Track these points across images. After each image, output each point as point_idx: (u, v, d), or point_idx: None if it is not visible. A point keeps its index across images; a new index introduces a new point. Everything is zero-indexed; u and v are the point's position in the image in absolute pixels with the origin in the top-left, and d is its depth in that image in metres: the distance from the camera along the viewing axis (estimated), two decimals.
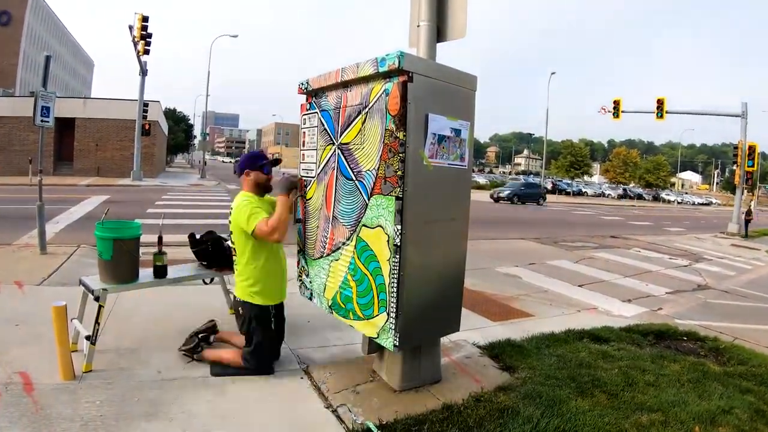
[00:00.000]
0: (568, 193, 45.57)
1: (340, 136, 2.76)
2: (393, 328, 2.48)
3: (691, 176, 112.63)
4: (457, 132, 2.70)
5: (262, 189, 3.09)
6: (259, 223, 2.81)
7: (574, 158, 57.27)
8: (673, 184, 74.41)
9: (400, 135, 2.38)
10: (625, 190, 54.73)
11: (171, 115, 42.71)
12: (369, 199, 2.56)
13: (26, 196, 11.84)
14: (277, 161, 3.22)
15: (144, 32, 18.03)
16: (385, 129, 2.43)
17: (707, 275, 8.69)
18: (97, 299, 2.97)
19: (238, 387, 2.86)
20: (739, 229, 17.74)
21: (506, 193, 28.03)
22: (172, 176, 29.13)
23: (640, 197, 52.21)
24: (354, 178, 2.67)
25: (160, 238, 3.38)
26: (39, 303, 3.87)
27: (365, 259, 2.60)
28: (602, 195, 49.82)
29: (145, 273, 3.35)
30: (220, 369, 3.02)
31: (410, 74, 2.38)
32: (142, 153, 22.17)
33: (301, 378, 3.06)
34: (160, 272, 3.36)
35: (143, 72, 20.53)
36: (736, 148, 18.82)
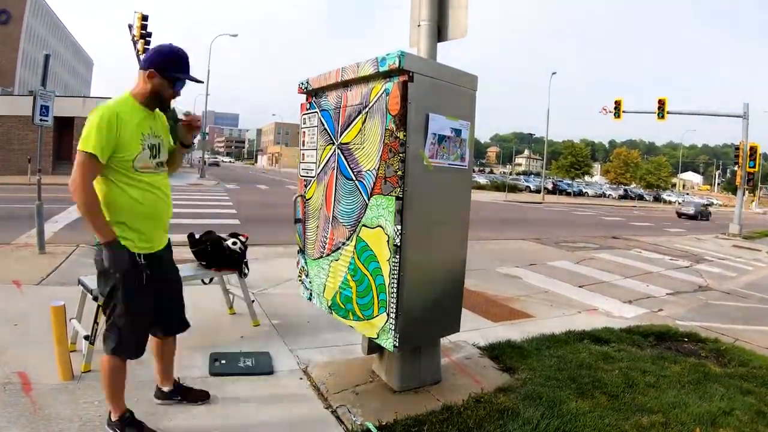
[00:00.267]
0: (568, 194, 45.56)
1: (340, 136, 2.76)
2: (393, 328, 2.47)
3: (692, 177, 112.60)
4: (458, 132, 2.69)
5: (156, 103, 2.27)
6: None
7: (575, 158, 57.25)
8: (674, 185, 74.41)
9: (401, 135, 2.37)
10: (626, 190, 54.74)
11: (170, 114, 42.82)
12: (369, 199, 2.55)
13: (25, 195, 11.84)
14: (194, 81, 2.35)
15: (143, 31, 17.99)
16: (386, 129, 2.42)
17: (708, 276, 8.68)
18: (95, 299, 2.95)
19: (237, 387, 2.86)
20: (740, 230, 17.71)
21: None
22: (172, 175, 29.09)
23: (641, 198, 52.22)
24: (354, 178, 2.66)
25: None
26: (37, 302, 3.87)
27: (365, 260, 2.60)
28: (603, 195, 49.82)
29: None
30: (219, 369, 3.02)
31: (411, 74, 2.37)
32: None
33: (301, 378, 3.05)
34: None
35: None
36: (737, 148, 18.79)
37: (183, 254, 4.38)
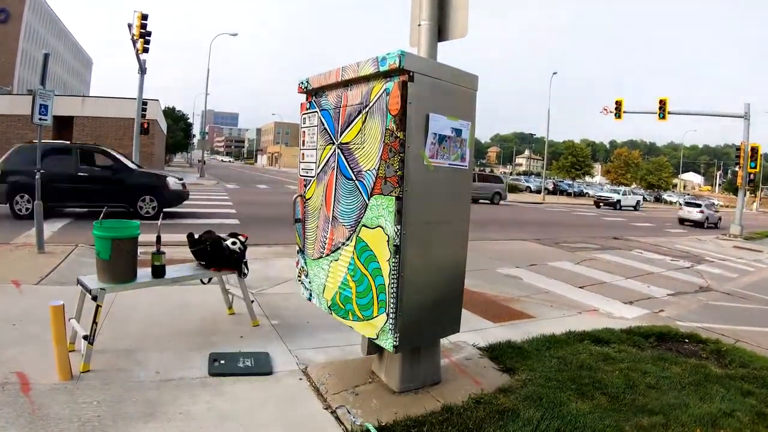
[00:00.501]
0: (569, 194, 45.53)
1: (340, 136, 2.75)
2: (392, 329, 2.47)
3: (693, 177, 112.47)
4: (458, 132, 2.68)
5: None
6: None
7: (576, 159, 57.17)
8: (675, 186, 74.34)
9: (401, 135, 2.36)
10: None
11: (170, 113, 42.73)
12: (369, 199, 2.54)
13: None
14: None
15: (143, 30, 17.96)
16: (386, 128, 2.41)
17: (709, 277, 8.66)
18: (94, 299, 2.96)
19: (237, 387, 2.85)
20: (741, 230, 17.68)
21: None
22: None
23: (642, 198, 52.10)
24: (354, 178, 2.65)
25: (158, 238, 3.37)
26: (36, 302, 3.86)
27: (365, 260, 2.59)
28: None
29: (144, 272, 3.34)
30: (218, 369, 3.01)
31: (411, 74, 2.37)
32: (140, 152, 22.08)
33: (300, 379, 3.04)
34: (158, 272, 3.35)
35: (142, 70, 20.46)
36: (738, 149, 18.75)
37: (182, 254, 4.40)
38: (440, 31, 3.13)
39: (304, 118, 3.14)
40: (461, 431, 2.49)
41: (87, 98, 27.02)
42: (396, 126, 2.37)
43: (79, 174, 9.34)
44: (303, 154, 3.15)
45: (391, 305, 2.45)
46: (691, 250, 12.49)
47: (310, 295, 3.15)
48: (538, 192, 39.71)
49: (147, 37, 17.93)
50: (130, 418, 2.42)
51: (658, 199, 54.85)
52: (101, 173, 9.70)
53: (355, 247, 2.65)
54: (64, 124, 22.04)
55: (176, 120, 44.08)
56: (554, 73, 34.99)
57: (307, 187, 3.09)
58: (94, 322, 2.92)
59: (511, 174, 68.84)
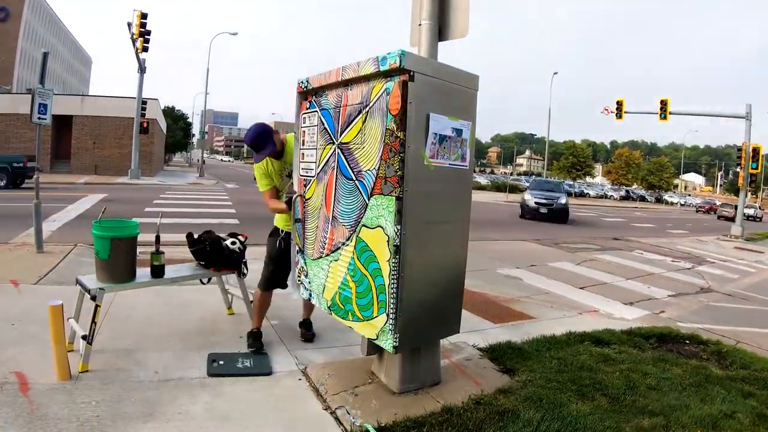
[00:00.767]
0: (569, 194, 45.41)
1: (340, 136, 2.74)
2: (392, 329, 2.46)
3: (694, 178, 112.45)
4: (459, 132, 2.67)
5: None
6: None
7: (576, 159, 57.13)
8: (676, 186, 74.27)
9: (401, 135, 2.35)
10: (627, 191, 54.67)
11: (169, 113, 42.67)
12: (369, 199, 2.53)
13: (23, 194, 11.86)
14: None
15: (143, 29, 17.98)
16: (386, 128, 2.40)
17: (710, 278, 8.65)
18: (93, 298, 2.95)
19: (236, 387, 2.84)
20: (742, 231, 17.66)
21: None
22: (171, 175, 29.14)
23: (642, 199, 52.13)
24: (354, 178, 2.64)
25: (157, 238, 3.36)
26: (35, 302, 3.85)
27: (365, 260, 2.58)
28: (604, 196, 49.78)
29: (143, 272, 3.34)
30: (217, 370, 3.00)
31: (411, 73, 2.36)
32: (140, 151, 22.13)
33: (300, 379, 3.04)
34: (157, 272, 3.34)
35: (142, 69, 20.48)
36: (739, 149, 18.71)
37: (182, 254, 4.38)
38: (441, 30, 3.12)
39: (304, 118, 3.13)
40: None
41: (86, 97, 26.97)
42: (396, 126, 2.36)
43: None
44: (303, 153, 3.14)
45: (391, 306, 2.44)
46: (691, 251, 12.47)
47: (310, 295, 3.14)
48: None
49: (146, 36, 17.93)
50: (129, 418, 2.42)
51: (659, 200, 54.77)
52: None
53: (355, 247, 2.64)
54: (63, 124, 22.02)
55: (176, 119, 44.03)
56: (555, 73, 35.02)
57: (307, 187, 3.08)
58: (93, 321, 2.91)
59: (511, 174, 68.79)
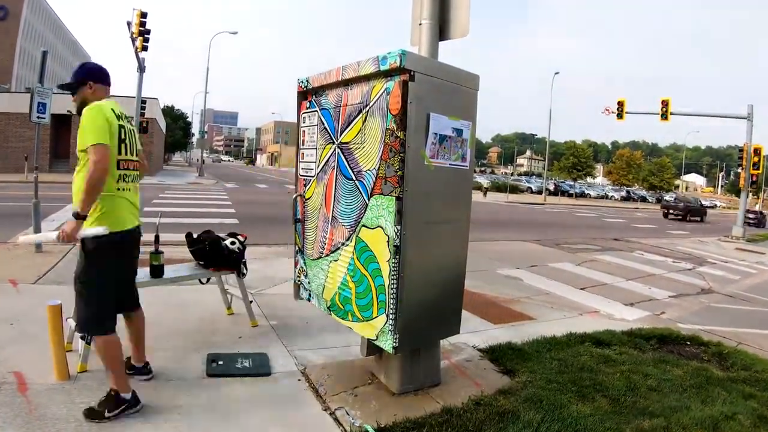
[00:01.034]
0: (570, 195, 45.47)
1: (340, 135, 2.73)
2: (392, 330, 2.45)
3: (695, 179, 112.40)
4: (459, 132, 2.66)
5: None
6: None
7: (577, 159, 57.09)
8: (677, 187, 74.07)
9: (401, 134, 2.35)
10: (628, 192, 54.55)
11: (169, 112, 42.69)
12: (369, 200, 2.52)
13: (22, 193, 11.85)
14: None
15: (142, 28, 17.94)
16: (386, 128, 2.40)
17: (711, 279, 8.63)
18: None
19: (235, 388, 2.83)
20: (743, 232, 17.63)
21: None
22: (170, 174, 29.10)
23: (643, 200, 52.03)
24: (354, 178, 2.63)
25: (156, 237, 3.36)
26: (34, 302, 3.84)
27: (365, 260, 2.57)
28: (605, 197, 49.67)
29: (142, 272, 3.32)
30: (216, 370, 2.99)
31: (412, 73, 2.35)
32: None
33: (299, 380, 3.03)
34: (156, 272, 3.34)
35: (141, 68, 20.43)
36: (741, 150, 18.67)
37: (181, 254, 4.38)
38: (441, 30, 3.11)
39: (304, 117, 3.12)
40: None
41: None
42: (396, 126, 2.35)
43: None
44: (303, 153, 3.13)
45: (391, 306, 2.43)
46: (692, 251, 12.45)
47: (310, 295, 3.14)
48: (540, 193, 39.67)
49: (146, 35, 17.89)
50: (127, 418, 2.41)
51: (659, 201, 54.62)
52: None
53: (354, 248, 2.63)
54: (62, 122, 21.93)
55: (175, 119, 44.03)
56: (556, 73, 35.05)
57: (307, 187, 3.08)
58: None
59: (512, 175, 68.71)
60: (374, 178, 2.48)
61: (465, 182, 2.83)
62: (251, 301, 3.98)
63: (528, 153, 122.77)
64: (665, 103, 19.57)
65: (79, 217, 2.28)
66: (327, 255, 2.88)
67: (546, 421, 2.62)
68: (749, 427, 2.81)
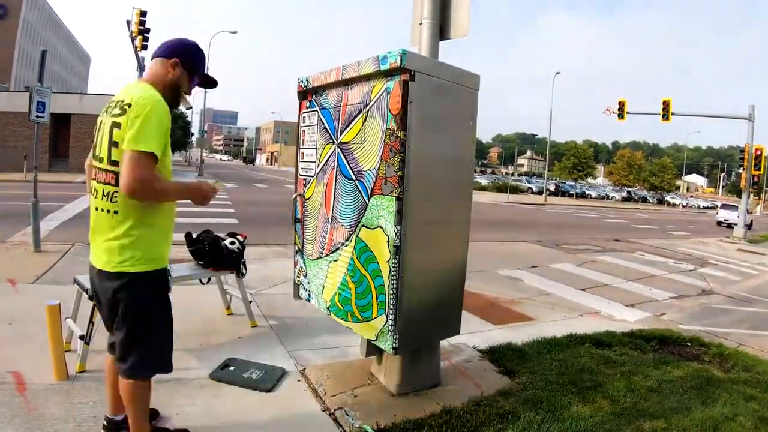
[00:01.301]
0: (571, 195, 45.48)
1: (340, 135, 2.72)
2: (392, 330, 2.44)
3: (696, 179, 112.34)
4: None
5: (172, 97, 2.07)
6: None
7: (578, 160, 56.99)
8: (678, 187, 73.98)
9: (401, 134, 2.34)
10: (629, 192, 54.51)
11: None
12: (369, 200, 2.51)
13: (20, 192, 11.83)
14: (211, 83, 2.30)
15: (142, 27, 17.92)
16: (386, 128, 2.39)
17: (712, 280, 8.62)
18: (91, 298, 2.92)
19: (234, 389, 2.82)
20: (744, 233, 17.61)
21: None
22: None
23: (644, 200, 52.00)
24: (354, 178, 2.62)
25: None
26: (32, 301, 3.83)
27: (364, 261, 2.56)
28: (606, 197, 49.67)
29: None
30: (219, 374, 2.98)
31: (412, 72, 2.34)
32: None
33: (298, 380, 3.02)
34: None
35: (141, 68, 20.39)
36: (742, 151, 18.66)
37: (180, 253, 4.36)
38: (442, 29, 3.10)
39: (304, 117, 3.12)
40: None
41: (85, 95, 26.85)
42: (397, 125, 2.34)
43: None
44: (302, 153, 3.12)
45: (391, 306, 2.42)
46: (693, 252, 12.43)
47: (309, 295, 3.13)
48: (540, 193, 39.63)
49: (146, 34, 17.87)
50: None
51: (660, 201, 54.57)
52: None
53: (354, 248, 2.62)
54: (61, 122, 21.93)
55: (174, 118, 43.75)
56: (557, 73, 34.92)
57: (307, 187, 3.07)
58: (91, 321, 2.89)
59: (512, 175, 68.67)
60: (374, 178, 2.47)
61: (465, 183, 2.82)
62: (251, 301, 3.97)
63: (529, 153, 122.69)
64: (666, 104, 19.54)
65: None
66: (327, 255, 2.87)
67: (546, 422, 2.61)
68: (750, 429, 2.80)
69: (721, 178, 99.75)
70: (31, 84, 6.13)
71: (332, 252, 2.81)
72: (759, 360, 4.13)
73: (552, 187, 42.96)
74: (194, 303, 4.26)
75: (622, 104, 20.93)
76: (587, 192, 49.66)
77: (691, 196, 67.92)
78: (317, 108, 2.95)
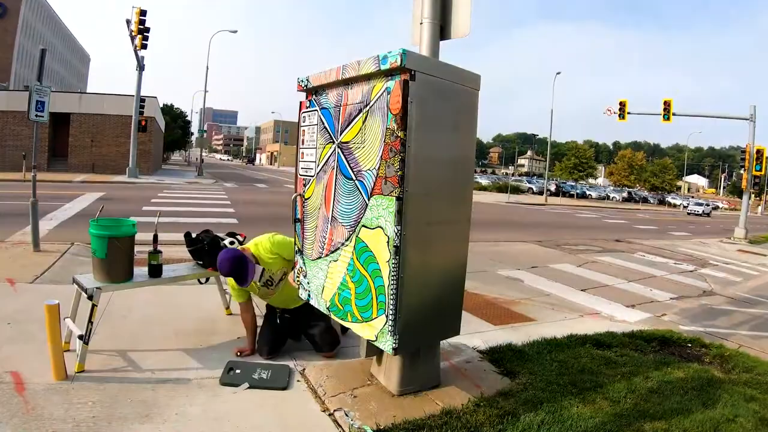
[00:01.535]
0: (571, 196, 45.42)
1: (340, 135, 2.71)
2: (392, 330, 2.43)
3: (697, 180, 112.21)
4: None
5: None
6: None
7: (579, 160, 56.96)
8: (679, 188, 73.91)
9: (402, 134, 2.33)
10: (630, 193, 54.39)
11: (168, 111, 42.58)
12: (369, 200, 2.51)
13: (20, 192, 11.82)
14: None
15: (141, 26, 17.93)
16: (387, 128, 2.38)
17: (713, 281, 8.60)
18: (90, 298, 2.93)
19: (234, 389, 2.82)
20: (745, 234, 17.57)
21: None
22: (169, 173, 29.05)
23: (645, 200, 51.92)
24: (354, 178, 2.62)
25: (155, 237, 3.34)
26: (31, 301, 3.84)
27: (364, 261, 2.55)
28: (607, 198, 49.58)
29: (140, 272, 3.32)
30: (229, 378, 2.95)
31: (412, 72, 2.33)
32: (138, 149, 21.97)
33: (298, 381, 3.01)
34: (155, 271, 3.32)
35: (140, 67, 20.39)
36: (743, 151, 18.61)
37: (180, 253, 4.37)
38: (442, 29, 3.09)
39: (304, 117, 3.11)
40: None
41: (84, 95, 26.81)
42: (397, 125, 2.33)
43: None
44: (302, 152, 3.11)
45: (391, 307, 2.41)
46: (694, 253, 12.42)
47: (309, 295, 3.12)
48: (541, 193, 39.59)
49: (145, 34, 17.87)
50: (125, 419, 2.40)
51: (661, 202, 54.44)
52: None
53: (354, 248, 2.62)
54: (61, 121, 21.92)
55: (174, 117, 43.92)
56: (558, 73, 34.86)
57: (307, 187, 3.06)
58: (90, 321, 2.89)
59: (513, 175, 68.65)
60: (374, 178, 2.46)
61: (466, 183, 2.82)
62: None
63: (529, 153, 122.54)
64: (667, 104, 19.51)
65: None
66: (326, 255, 2.86)
67: (546, 423, 2.60)
68: (750, 430, 2.79)
69: (722, 179, 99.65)
70: (30, 83, 6.12)
71: (332, 252, 2.81)
72: (760, 361, 4.11)
73: (552, 188, 42.89)
74: (193, 303, 4.26)
75: (622, 104, 20.89)
76: (588, 192, 49.56)
77: (692, 197, 67.69)
78: (317, 108, 2.94)
